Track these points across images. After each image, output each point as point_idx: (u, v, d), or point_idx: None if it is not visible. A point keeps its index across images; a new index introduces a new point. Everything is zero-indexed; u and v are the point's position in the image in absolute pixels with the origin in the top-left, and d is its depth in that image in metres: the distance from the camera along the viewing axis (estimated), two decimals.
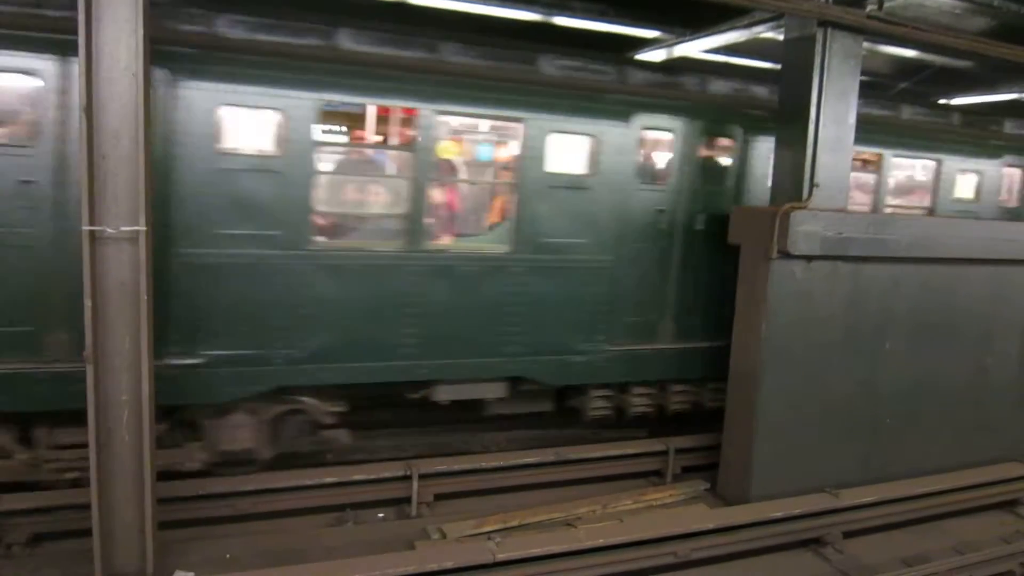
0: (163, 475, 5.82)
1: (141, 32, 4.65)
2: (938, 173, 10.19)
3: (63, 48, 5.65)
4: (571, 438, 8.82)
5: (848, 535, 7.28)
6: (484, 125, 8.50)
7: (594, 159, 7.87)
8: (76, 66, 4.92)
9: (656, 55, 9.16)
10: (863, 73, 7.45)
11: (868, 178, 9.80)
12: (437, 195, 7.60)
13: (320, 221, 6.99)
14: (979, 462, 8.53)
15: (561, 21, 8.09)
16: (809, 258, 7.23)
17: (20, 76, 5.83)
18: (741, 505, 7.32)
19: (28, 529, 6.02)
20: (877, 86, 10.93)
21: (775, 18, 7.40)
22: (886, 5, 7.00)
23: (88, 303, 4.78)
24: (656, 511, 7.58)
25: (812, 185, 7.24)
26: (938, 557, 7.06)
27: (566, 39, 8.57)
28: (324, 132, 7.72)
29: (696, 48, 8.69)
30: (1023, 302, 8.77)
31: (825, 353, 7.60)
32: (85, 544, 5.24)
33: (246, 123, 6.67)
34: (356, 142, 9.48)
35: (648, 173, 8.41)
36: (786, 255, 7.09)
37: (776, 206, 7.25)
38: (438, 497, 7.38)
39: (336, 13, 7.05)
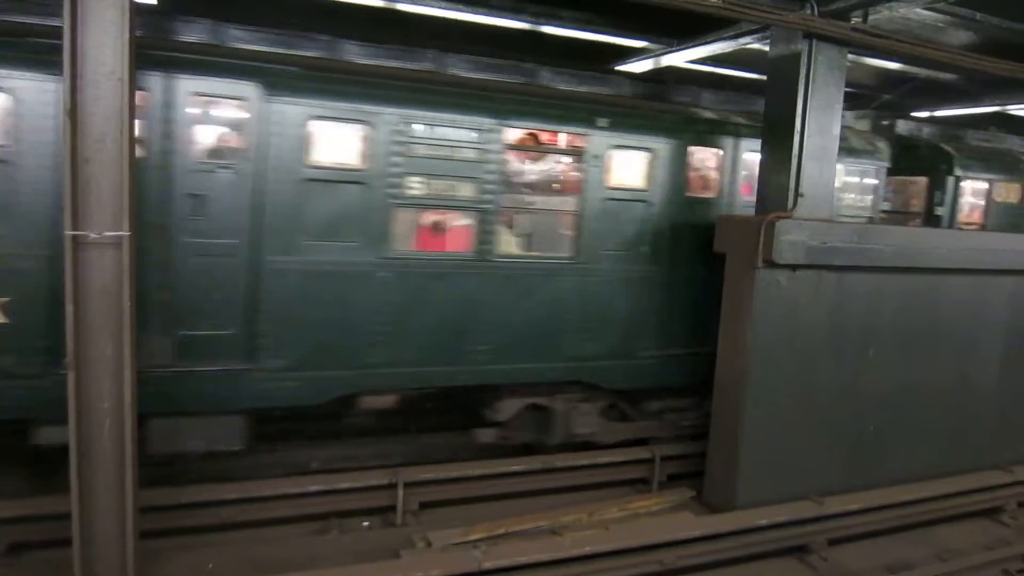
0: (145, 483, 5.75)
1: (127, 36, 4.62)
2: None
3: None
4: (558, 445, 8.80)
5: (833, 542, 7.32)
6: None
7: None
8: None
9: (642, 65, 9.23)
10: (847, 85, 7.53)
11: None
12: None
13: None
14: (962, 469, 8.59)
15: (549, 30, 8.14)
16: (794, 267, 7.27)
17: None
18: (727, 513, 7.32)
19: (7, 538, 5.94)
20: (861, 97, 11.08)
21: (761, 29, 7.47)
22: (871, 18, 7.09)
23: (70, 309, 4.73)
24: (642, 519, 7.58)
25: (797, 195, 7.29)
26: (922, 564, 7.11)
27: (553, 49, 8.64)
28: None
29: (682, 58, 8.77)
30: (1003, 311, 8.86)
31: (810, 361, 7.65)
32: (65, 554, 5.16)
33: None
34: None
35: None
36: (771, 264, 7.13)
37: (761, 215, 7.29)
38: (424, 505, 7.34)
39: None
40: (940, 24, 7.66)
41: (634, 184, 8.22)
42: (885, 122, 11.08)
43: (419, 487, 7.33)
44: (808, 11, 6.90)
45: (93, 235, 4.74)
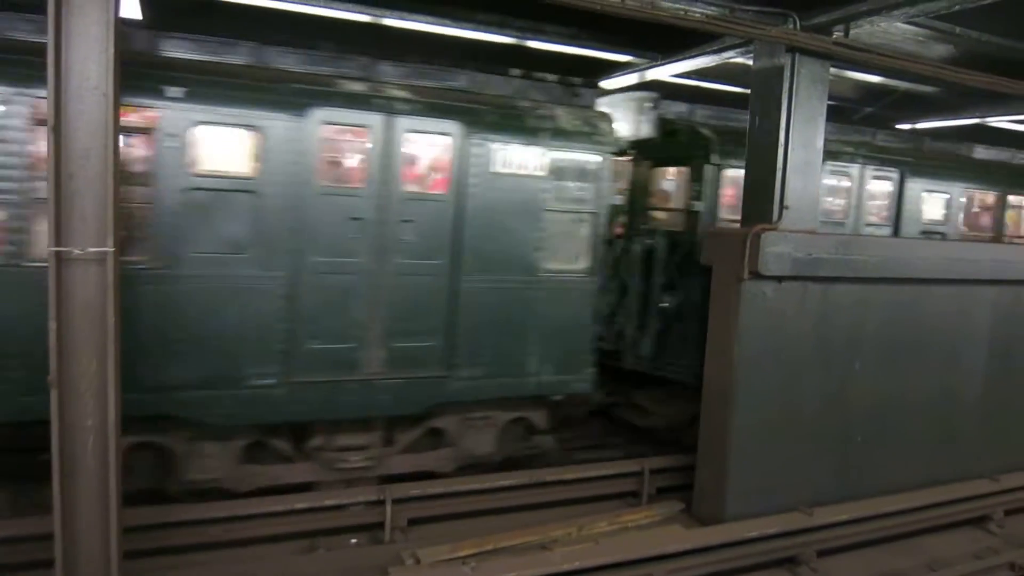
0: (129, 502, 5.67)
1: (112, 51, 4.60)
2: None
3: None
4: (546, 460, 8.78)
5: (822, 553, 7.31)
6: None
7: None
8: None
9: (628, 79, 9.30)
10: (830, 98, 7.61)
11: None
12: None
13: None
14: (948, 479, 8.63)
15: (535, 45, 8.20)
16: (780, 278, 7.31)
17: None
18: (716, 525, 7.30)
19: None
20: (844, 110, 11.21)
21: (745, 44, 7.56)
22: (852, 32, 7.18)
23: (53, 325, 4.67)
24: (632, 533, 7.55)
25: (782, 207, 7.35)
26: (911, 574, 7.12)
27: (540, 63, 8.69)
28: None
29: (667, 72, 8.84)
30: (986, 321, 8.94)
31: (796, 372, 7.67)
32: (49, 575, 5.08)
33: None
34: None
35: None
36: (757, 276, 7.16)
37: (747, 227, 7.34)
38: (412, 522, 7.28)
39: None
40: (920, 38, 7.78)
41: (235, 171, 6.76)
42: (649, 104, 9.46)
43: (407, 503, 7.27)
44: (791, 26, 6.99)
45: (77, 251, 4.69)
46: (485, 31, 7.80)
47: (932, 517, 8.12)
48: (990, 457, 9.16)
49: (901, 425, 8.46)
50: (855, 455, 8.19)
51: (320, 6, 7.03)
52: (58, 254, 4.64)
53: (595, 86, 9.37)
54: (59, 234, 4.63)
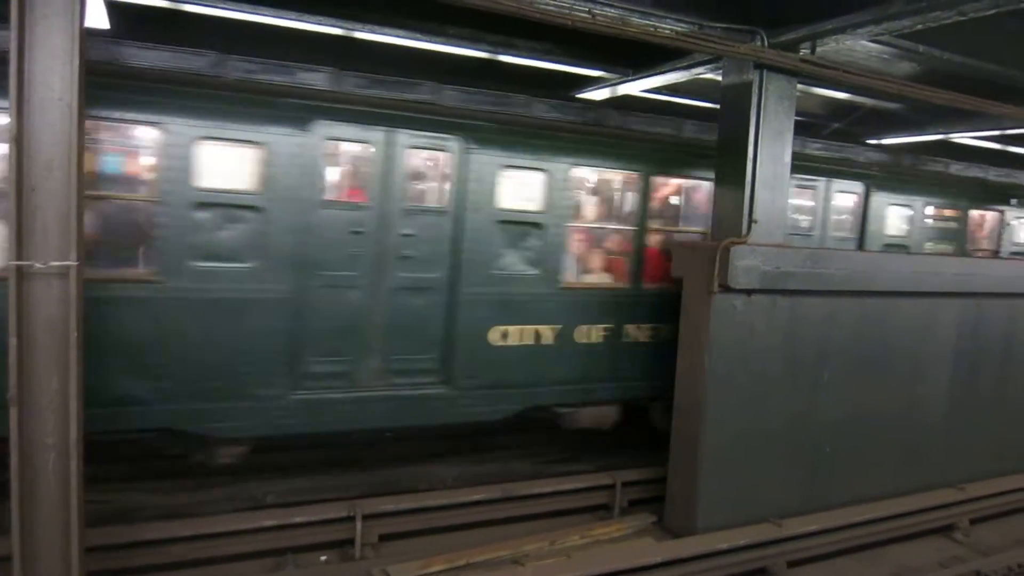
0: (92, 522, 5.54)
1: (77, 61, 4.53)
2: None
3: None
4: (518, 473, 8.76)
5: (792, 564, 7.37)
6: None
7: None
8: None
9: (599, 94, 9.37)
10: (798, 114, 7.72)
11: None
12: None
13: None
14: (915, 489, 8.75)
15: (507, 60, 8.22)
16: (749, 292, 7.38)
17: None
18: (688, 537, 7.34)
19: None
20: (811, 126, 11.38)
21: (714, 60, 7.64)
22: (818, 50, 7.29)
23: (13, 341, 4.57)
24: (604, 546, 7.54)
25: (751, 221, 7.43)
26: None
27: (512, 77, 8.73)
28: None
29: (638, 87, 8.91)
30: (951, 334, 9.10)
31: (766, 384, 7.74)
32: None
33: None
34: None
35: None
36: (727, 289, 7.23)
37: (716, 241, 7.41)
38: (383, 538, 7.21)
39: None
40: (885, 56, 7.93)
41: None
42: None
43: (378, 519, 7.20)
44: (758, 43, 7.09)
45: (39, 265, 4.59)
46: (457, 45, 7.81)
47: (899, 527, 8.24)
48: (956, 467, 9.31)
49: (869, 436, 8.57)
50: (824, 466, 8.27)
51: (291, 19, 6.98)
52: (19, 268, 4.54)
53: (572, 99, 9.43)
54: (20, 248, 4.53)
